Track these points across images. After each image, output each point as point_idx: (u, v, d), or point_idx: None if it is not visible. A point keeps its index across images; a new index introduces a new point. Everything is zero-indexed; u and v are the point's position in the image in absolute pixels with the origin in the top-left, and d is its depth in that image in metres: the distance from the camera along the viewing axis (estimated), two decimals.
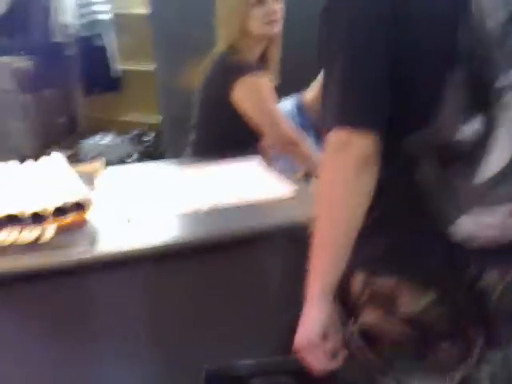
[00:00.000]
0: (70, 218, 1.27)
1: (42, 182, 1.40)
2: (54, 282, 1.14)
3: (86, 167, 1.60)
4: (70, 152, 3.82)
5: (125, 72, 3.98)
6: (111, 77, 4.00)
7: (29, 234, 1.20)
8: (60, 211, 1.28)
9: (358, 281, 0.96)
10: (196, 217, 1.31)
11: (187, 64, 2.68)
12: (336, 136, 0.87)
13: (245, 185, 1.50)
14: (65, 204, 1.29)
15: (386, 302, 0.95)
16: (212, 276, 1.24)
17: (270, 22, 1.70)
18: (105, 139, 3.95)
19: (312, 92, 2.19)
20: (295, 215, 1.28)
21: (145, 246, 1.18)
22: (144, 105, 4.05)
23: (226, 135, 1.77)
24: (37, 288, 1.13)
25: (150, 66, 3.84)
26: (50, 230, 1.22)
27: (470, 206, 0.85)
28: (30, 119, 3.71)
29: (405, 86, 0.88)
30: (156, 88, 3.87)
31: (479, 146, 0.83)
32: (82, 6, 3.78)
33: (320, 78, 2.25)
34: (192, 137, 1.87)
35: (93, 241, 1.19)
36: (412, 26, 0.88)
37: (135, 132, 4.08)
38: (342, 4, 0.90)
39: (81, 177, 1.49)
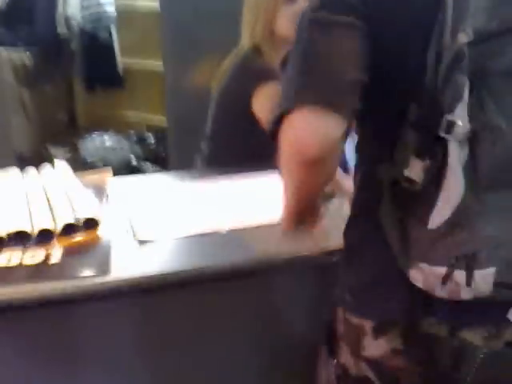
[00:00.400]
0: (80, 237, 1.17)
1: (48, 194, 1.30)
2: (63, 310, 1.03)
3: (92, 176, 1.49)
4: (69, 150, 3.75)
5: (129, 68, 3.88)
6: (115, 72, 3.90)
7: (35, 256, 1.10)
8: (69, 229, 1.17)
9: (338, 316, 0.97)
10: (215, 239, 1.21)
11: (198, 64, 2.59)
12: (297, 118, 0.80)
13: (265, 202, 1.39)
14: (76, 221, 1.19)
15: (354, 342, 0.94)
16: (233, 304, 1.15)
17: None
18: (106, 138, 3.85)
19: None
20: (320, 240, 1.19)
21: (160, 273, 1.08)
22: (147, 104, 3.95)
23: (245, 145, 1.66)
24: (46, 316, 1.03)
25: (155, 64, 3.75)
26: (58, 250, 1.12)
27: (418, 258, 0.82)
28: (29, 114, 3.61)
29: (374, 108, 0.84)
30: (163, 88, 3.80)
31: (430, 189, 0.78)
32: None
33: None
34: (206, 145, 1.76)
35: (105, 265, 1.08)
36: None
37: (137, 132, 3.98)
38: None
39: (87, 187, 1.39)
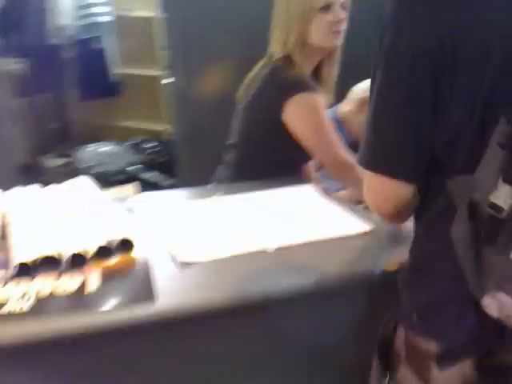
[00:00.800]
0: (115, 260, 1.06)
1: (76, 215, 1.19)
2: (108, 343, 0.92)
3: (117, 192, 1.38)
4: (65, 160, 3.63)
5: (124, 76, 3.78)
6: (110, 81, 3.80)
7: (69, 283, 0.99)
8: (102, 252, 1.06)
9: (400, 335, 0.92)
10: (263, 259, 1.11)
11: (204, 72, 2.50)
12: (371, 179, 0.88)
13: (307, 217, 1.30)
14: (109, 243, 1.08)
15: (421, 367, 0.89)
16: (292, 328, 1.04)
17: (334, 33, 1.47)
18: (103, 147, 3.74)
19: (349, 105, 2.02)
20: (380, 258, 1.10)
21: (210, 300, 0.97)
22: (144, 111, 3.87)
23: (274, 157, 1.56)
24: (90, 351, 0.91)
25: (150, 71, 3.66)
26: (94, 276, 1.01)
27: (494, 286, 0.76)
28: (23, 125, 3.49)
29: (451, 126, 0.81)
30: (160, 96, 3.70)
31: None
32: (80, 7, 3.57)
33: (356, 89, 2.09)
34: (230, 156, 1.66)
35: (148, 291, 0.97)
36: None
37: (135, 140, 3.88)
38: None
39: (114, 204, 1.28)
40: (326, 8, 1.44)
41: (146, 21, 3.58)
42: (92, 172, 3.58)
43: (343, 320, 1.09)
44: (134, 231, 1.15)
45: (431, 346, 0.87)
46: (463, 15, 0.80)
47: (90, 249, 1.06)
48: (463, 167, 0.81)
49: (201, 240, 1.17)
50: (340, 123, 2.00)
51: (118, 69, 3.77)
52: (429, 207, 0.90)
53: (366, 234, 1.21)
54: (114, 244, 1.08)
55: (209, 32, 2.43)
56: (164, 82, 3.58)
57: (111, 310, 0.92)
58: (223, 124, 2.49)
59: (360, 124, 2.00)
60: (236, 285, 1.02)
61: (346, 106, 2.02)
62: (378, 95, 0.85)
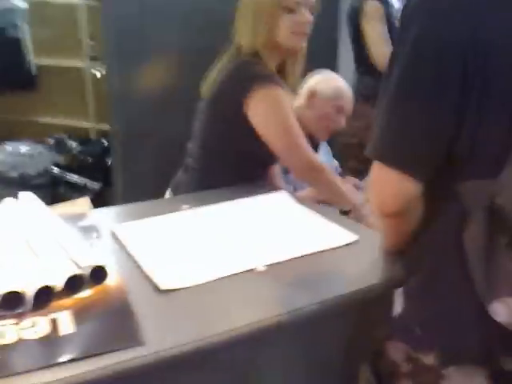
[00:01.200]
0: (89, 293, 0.91)
1: (32, 240, 1.02)
2: None
3: (70, 208, 1.22)
4: None
5: (45, 68, 3.51)
6: (27, 73, 3.52)
7: (37, 325, 0.83)
8: (72, 283, 0.91)
9: (399, 350, 0.89)
10: (253, 279, 1.00)
11: (139, 65, 2.33)
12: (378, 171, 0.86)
13: (291, 229, 1.20)
14: (79, 272, 0.93)
15: (428, 382, 0.86)
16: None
17: (298, 34, 1.45)
18: (21, 146, 3.45)
19: (299, 101, 1.98)
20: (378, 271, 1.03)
21: (205, 337, 0.85)
22: (68, 106, 3.61)
23: (240, 159, 1.46)
24: None
25: (75, 62, 3.42)
26: (65, 315, 0.86)
27: (505, 291, 0.75)
28: None
29: (473, 124, 0.78)
30: (85, 90, 3.46)
31: None
32: None
33: (305, 84, 2.03)
34: (190, 161, 1.53)
35: (133, 331, 0.83)
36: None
37: (58, 138, 3.61)
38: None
39: (67, 221, 1.13)
40: (293, 9, 1.42)
41: (70, 7, 3.33)
42: (9, 175, 3.30)
43: (335, 336, 1.02)
44: (104, 256, 1.00)
45: (438, 360, 0.84)
46: (499, 19, 0.75)
47: (58, 281, 0.90)
48: (479, 171, 0.79)
49: (181, 262, 1.04)
50: None
51: (37, 59, 3.49)
52: (439, 215, 0.86)
53: (354, 243, 1.14)
54: (86, 273, 0.93)
55: (145, 22, 2.27)
56: (91, 73, 3.36)
57: (91, 355, 0.78)
58: (159, 122, 2.35)
59: (308, 118, 1.97)
60: (230, 313, 0.90)
61: (296, 102, 1.98)
62: (400, 86, 0.80)
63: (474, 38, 0.75)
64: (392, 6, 2.60)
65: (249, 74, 1.40)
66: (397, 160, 0.83)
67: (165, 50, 2.31)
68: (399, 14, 2.65)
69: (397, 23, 2.56)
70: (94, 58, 3.40)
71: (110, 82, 2.30)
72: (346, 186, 1.53)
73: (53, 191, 3.30)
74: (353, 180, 1.93)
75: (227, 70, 1.44)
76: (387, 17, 2.44)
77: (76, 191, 3.36)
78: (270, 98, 1.38)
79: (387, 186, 0.85)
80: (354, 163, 2.56)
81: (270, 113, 1.38)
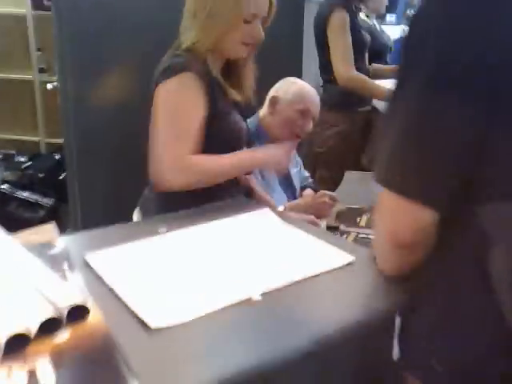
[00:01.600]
0: (67, 337, 0.80)
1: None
2: None
3: (35, 235, 1.10)
4: None
5: None
6: None
7: (12, 378, 0.72)
8: (48, 327, 0.80)
9: None
10: (248, 311, 0.91)
11: (94, 75, 2.20)
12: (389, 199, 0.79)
13: (284, 251, 1.12)
14: (57, 313, 0.81)
15: None
16: None
17: (248, 45, 1.44)
18: None
19: (264, 109, 1.96)
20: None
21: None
22: (17, 120, 3.44)
23: None
24: None
25: (23, 74, 3.26)
26: (45, 363, 0.75)
27: None
28: None
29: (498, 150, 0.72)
30: (35, 103, 3.29)
31: None
32: None
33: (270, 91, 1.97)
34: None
35: (124, 380, 0.73)
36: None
37: (7, 153, 3.43)
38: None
39: (34, 251, 1.01)
40: (249, 21, 1.40)
41: (17, 18, 3.18)
42: None
43: (339, 371, 0.94)
44: (81, 291, 0.89)
45: None
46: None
47: (33, 324, 0.79)
48: (500, 194, 0.73)
49: (169, 294, 0.94)
50: (261, 129, 1.90)
51: None
52: (455, 240, 0.80)
53: (350, 264, 1.07)
54: (63, 313, 0.82)
55: (99, 34, 2.15)
56: (41, 86, 3.20)
57: None
58: (115, 134, 2.22)
59: (274, 125, 1.93)
60: (233, 354, 0.81)
61: (261, 111, 1.95)
62: (413, 107, 0.74)
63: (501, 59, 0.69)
64: (358, 16, 2.58)
65: (161, 69, 1.39)
66: (418, 192, 0.76)
67: (119, 62, 2.20)
68: (366, 25, 2.61)
69: (364, 34, 2.55)
70: (42, 70, 3.25)
71: (64, 93, 2.16)
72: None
73: (2, 209, 3.13)
74: (328, 194, 1.87)
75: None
76: (352, 27, 2.42)
77: (27, 208, 3.19)
78: (166, 89, 1.36)
79: (401, 215, 0.78)
80: (324, 172, 2.52)
81: (164, 104, 1.36)
